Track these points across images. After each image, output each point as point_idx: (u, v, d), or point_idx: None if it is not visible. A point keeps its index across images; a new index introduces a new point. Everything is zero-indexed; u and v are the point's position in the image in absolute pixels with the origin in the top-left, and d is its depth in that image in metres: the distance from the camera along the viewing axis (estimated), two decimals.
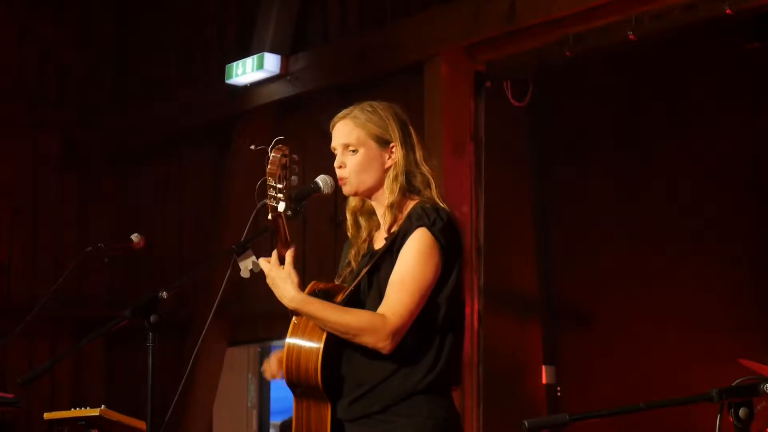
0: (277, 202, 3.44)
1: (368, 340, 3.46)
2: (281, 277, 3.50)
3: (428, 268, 3.51)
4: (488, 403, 7.47)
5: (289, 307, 3.51)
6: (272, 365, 3.77)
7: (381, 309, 3.49)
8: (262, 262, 3.56)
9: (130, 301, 3.75)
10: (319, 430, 3.57)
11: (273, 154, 3.47)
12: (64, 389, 9.94)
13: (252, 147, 3.61)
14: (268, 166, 3.46)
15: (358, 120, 3.67)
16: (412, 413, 3.52)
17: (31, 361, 9.59)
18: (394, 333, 3.46)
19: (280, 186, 3.45)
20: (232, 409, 9.42)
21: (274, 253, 3.53)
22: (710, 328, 6.77)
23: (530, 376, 7.78)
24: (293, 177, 3.49)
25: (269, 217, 3.48)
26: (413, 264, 3.50)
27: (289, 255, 3.52)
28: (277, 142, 3.51)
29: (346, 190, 3.68)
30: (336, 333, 3.49)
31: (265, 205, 3.60)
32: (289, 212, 3.48)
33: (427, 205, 3.59)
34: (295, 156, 3.50)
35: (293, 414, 3.61)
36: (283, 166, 3.47)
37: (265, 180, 3.47)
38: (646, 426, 6.03)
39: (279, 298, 3.53)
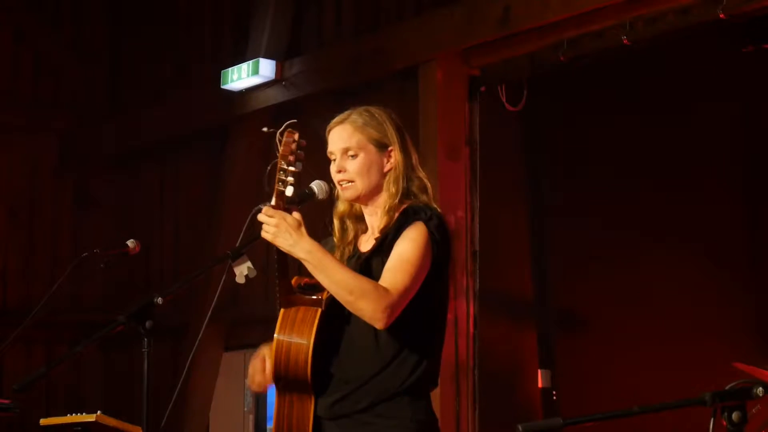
0: (285, 186, 3.44)
1: (367, 307, 3.42)
2: (292, 224, 3.44)
3: (424, 255, 3.53)
4: (484, 406, 7.47)
5: (298, 256, 3.45)
6: (257, 374, 3.71)
7: (381, 283, 3.48)
8: (265, 209, 3.46)
9: (126, 306, 3.74)
10: (301, 425, 3.57)
11: (285, 137, 3.47)
12: (60, 395, 9.94)
13: (264, 129, 3.60)
14: (281, 149, 3.44)
15: (356, 124, 3.68)
16: (395, 415, 3.53)
17: (27, 366, 9.59)
18: (392, 306, 3.43)
19: (292, 169, 3.44)
20: (229, 414, 9.42)
21: (272, 204, 3.48)
22: (705, 331, 6.79)
23: (526, 380, 7.78)
24: (298, 163, 3.48)
25: (272, 202, 3.46)
26: (411, 249, 3.51)
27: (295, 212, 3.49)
28: (288, 126, 3.51)
29: (349, 194, 3.68)
30: (338, 292, 3.45)
31: (260, 210, 3.61)
32: (296, 199, 3.48)
33: (421, 204, 3.62)
34: (303, 141, 3.50)
35: (274, 409, 3.60)
36: (293, 151, 3.46)
37: (276, 163, 3.46)
38: (640, 430, 6.04)
39: (287, 248, 3.45)
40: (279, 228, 3.45)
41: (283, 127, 3.51)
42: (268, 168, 3.48)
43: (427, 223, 3.56)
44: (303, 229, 3.46)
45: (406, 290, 3.47)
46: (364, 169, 3.65)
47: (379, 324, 3.45)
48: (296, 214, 3.49)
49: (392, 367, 3.53)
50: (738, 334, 6.64)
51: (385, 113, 3.73)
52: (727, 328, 6.71)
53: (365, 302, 3.43)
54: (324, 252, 3.48)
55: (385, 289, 3.44)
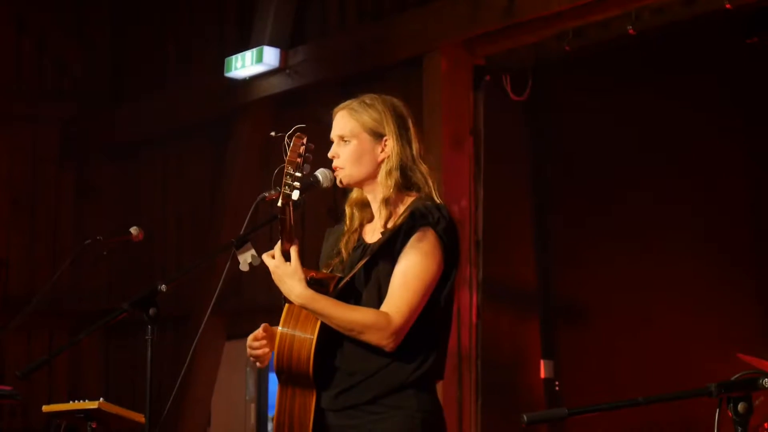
0: (292, 191, 3.44)
1: (372, 338, 3.47)
2: (288, 274, 3.50)
3: (432, 267, 3.53)
4: (486, 397, 7.47)
5: (296, 303, 3.51)
6: (260, 345, 3.72)
7: (385, 307, 3.50)
8: (266, 258, 3.55)
9: (129, 294, 3.74)
10: (302, 418, 3.57)
11: (294, 141, 3.46)
12: (62, 382, 9.95)
13: (272, 134, 3.61)
14: (289, 154, 3.45)
15: (354, 112, 3.68)
16: (401, 406, 3.53)
17: (29, 354, 9.60)
18: (398, 331, 3.47)
19: (298, 174, 3.44)
20: (231, 403, 9.42)
21: (277, 248, 3.52)
22: (709, 322, 6.78)
23: (528, 371, 7.79)
24: (306, 165, 3.49)
25: (279, 204, 3.46)
26: (417, 263, 3.51)
27: (294, 251, 3.51)
28: (296, 130, 3.50)
29: (340, 179, 3.68)
30: (341, 329, 3.50)
31: (265, 198, 3.59)
32: (299, 202, 3.47)
33: (428, 203, 3.59)
34: (311, 145, 3.50)
35: (276, 400, 3.60)
36: (301, 154, 3.47)
37: (283, 167, 3.46)
38: (644, 420, 6.04)
39: (286, 294, 3.53)
40: (275, 274, 3.53)
41: (291, 131, 3.51)
42: (275, 172, 3.48)
43: (435, 227, 3.54)
44: (298, 274, 3.49)
45: (411, 310, 3.49)
46: (355, 157, 3.65)
47: (387, 349, 3.50)
48: (295, 248, 3.50)
49: (399, 361, 3.53)
50: (742, 324, 6.64)
51: (388, 102, 3.72)
52: (731, 318, 6.70)
53: (369, 335, 3.48)
54: (317, 297, 3.50)
55: (387, 316, 3.48)
